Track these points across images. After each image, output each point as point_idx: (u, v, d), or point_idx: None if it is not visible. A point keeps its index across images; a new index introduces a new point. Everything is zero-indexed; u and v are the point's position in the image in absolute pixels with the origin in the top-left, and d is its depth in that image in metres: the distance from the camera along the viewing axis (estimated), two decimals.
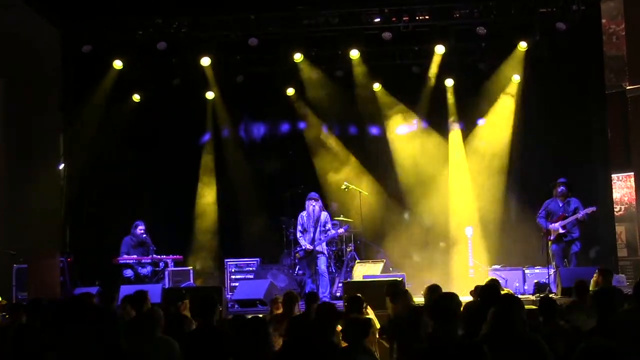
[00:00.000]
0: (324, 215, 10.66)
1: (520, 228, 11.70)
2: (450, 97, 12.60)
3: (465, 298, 7.02)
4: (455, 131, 12.69)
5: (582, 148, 11.88)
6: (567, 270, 9.78)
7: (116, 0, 11.38)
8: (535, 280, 10.15)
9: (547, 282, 10.01)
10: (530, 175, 11.97)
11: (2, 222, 10.83)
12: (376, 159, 12.85)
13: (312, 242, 10.49)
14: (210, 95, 12.87)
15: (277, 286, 10.26)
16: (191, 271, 11.17)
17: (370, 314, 6.42)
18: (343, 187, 11.73)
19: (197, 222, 12.82)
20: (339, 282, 10.80)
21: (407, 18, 11.53)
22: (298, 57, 12.05)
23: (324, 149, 12.83)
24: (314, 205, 10.54)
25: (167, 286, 10.34)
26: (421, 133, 12.87)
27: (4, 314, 8.80)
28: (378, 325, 6.19)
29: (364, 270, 10.65)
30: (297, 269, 11.37)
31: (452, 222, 12.27)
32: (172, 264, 11.03)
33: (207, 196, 12.95)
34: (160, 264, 10.98)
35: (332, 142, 12.98)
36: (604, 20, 11.89)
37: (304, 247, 10.57)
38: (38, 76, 11.44)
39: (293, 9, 11.60)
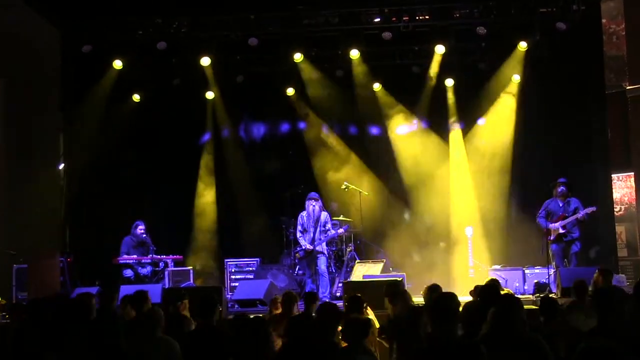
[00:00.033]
0: (324, 215, 10.65)
1: (520, 228, 11.70)
2: (451, 97, 12.60)
3: (466, 298, 7.03)
4: (456, 131, 12.69)
5: (582, 148, 11.88)
6: (567, 270, 9.78)
7: (116, 0, 11.37)
8: (535, 280, 10.15)
9: (547, 282, 10.01)
10: (530, 175, 11.98)
11: (2, 222, 10.82)
12: (376, 159, 12.86)
13: (312, 242, 10.49)
14: (210, 95, 12.88)
15: (277, 286, 10.26)
16: (191, 271, 11.18)
17: (370, 314, 6.42)
18: (343, 187, 11.73)
19: (197, 222, 12.82)
20: (339, 282, 10.80)
21: (407, 18, 11.52)
22: (298, 57, 12.05)
23: (324, 149, 12.83)
24: (314, 205, 10.54)
25: (167, 286, 10.33)
26: (421, 133, 12.88)
27: (4, 313, 8.82)
28: (377, 325, 6.19)
29: (364, 270, 10.65)
30: (297, 269, 11.37)
31: (452, 222, 12.27)
32: (172, 264, 11.03)
33: (207, 196, 12.96)
34: (160, 264, 10.97)
35: (332, 142, 12.98)
36: (604, 20, 11.88)
37: (304, 247, 10.57)
38: (38, 76, 11.43)
39: (293, 9, 11.59)
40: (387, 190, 12.61)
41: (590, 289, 7.07)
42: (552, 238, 10.34)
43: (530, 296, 9.74)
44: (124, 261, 10.90)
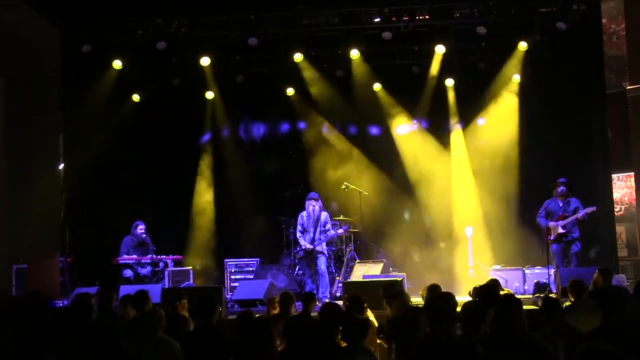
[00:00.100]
0: (324, 215, 10.65)
1: (520, 228, 11.72)
2: (451, 97, 12.61)
3: (466, 298, 7.03)
4: (456, 131, 12.69)
5: (582, 148, 11.88)
6: (567, 270, 9.76)
7: (116, 0, 11.37)
8: (535, 280, 10.14)
9: (547, 282, 10.01)
10: (530, 175, 11.97)
11: (2, 222, 10.80)
12: (376, 159, 12.85)
13: (312, 242, 10.49)
14: (210, 95, 12.88)
15: (277, 286, 10.26)
16: (191, 271, 11.18)
17: (369, 314, 6.42)
18: (343, 187, 11.74)
19: (196, 222, 12.82)
20: (339, 282, 10.80)
21: (407, 18, 11.52)
22: (298, 57, 12.05)
23: (324, 149, 12.82)
24: (314, 205, 10.54)
25: (166, 286, 10.33)
26: (421, 133, 12.88)
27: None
28: (376, 325, 6.19)
29: (364, 270, 10.65)
30: (297, 269, 11.37)
31: (452, 222, 12.27)
32: (172, 264, 11.03)
33: (207, 196, 12.96)
34: (160, 264, 10.97)
35: (332, 142, 12.98)
36: (604, 20, 11.87)
37: (303, 247, 10.56)
38: (38, 76, 11.42)
39: (293, 8, 11.59)
40: (387, 190, 12.59)
41: (590, 288, 7.08)
42: (552, 238, 10.34)
43: (530, 296, 9.73)
44: (124, 261, 10.90)
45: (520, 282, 10.42)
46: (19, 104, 11.08)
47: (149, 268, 10.99)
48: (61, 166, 12.57)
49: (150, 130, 12.57)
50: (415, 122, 12.89)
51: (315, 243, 10.47)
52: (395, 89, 12.67)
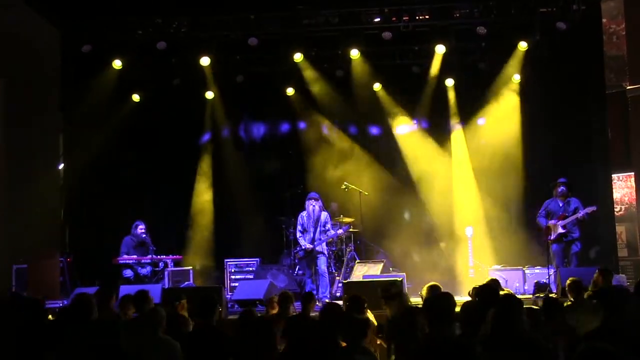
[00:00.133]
0: (324, 215, 10.64)
1: (520, 228, 11.71)
2: (451, 97, 12.61)
3: (465, 298, 7.02)
4: (456, 131, 12.69)
5: (582, 148, 11.88)
6: (567, 271, 9.75)
7: (116, 0, 11.37)
8: (535, 281, 10.14)
9: (547, 282, 10.00)
10: (530, 175, 11.97)
11: (2, 222, 10.81)
12: (376, 159, 12.85)
13: (312, 242, 10.48)
14: (210, 95, 12.88)
15: (277, 286, 10.25)
16: (191, 271, 11.18)
17: (369, 314, 6.42)
18: (343, 187, 11.73)
19: (197, 222, 12.82)
20: (339, 282, 10.79)
21: (407, 18, 11.52)
22: (298, 57, 12.05)
23: (323, 149, 12.82)
24: (314, 205, 10.53)
25: (166, 286, 10.33)
26: (421, 133, 12.88)
27: None
28: (376, 324, 6.19)
29: (364, 271, 10.65)
30: (297, 269, 11.37)
31: (453, 222, 12.27)
32: (172, 264, 11.03)
33: (207, 196, 12.96)
34: (160, 264, 10.97)
35: (332, 142, 12.98)
36: (604, 20, 11.86)
37: (303, 247, 10.56)
38: (38, 76, 11.43)
39: (293, 8, 11.59)
40: (387, 190, 12.59)
41: (590, 288, 7.07)
42: (552, 238, 10.33)
43: (531, 296, 9.73)
44: (124, 261, 10.89)
45: (520, 282, 10.41)
46: (19, 104, 11.09)
47: (148, 268, 10.98)
48: (61, 166, 12.57)
49: (150, 130, 12.56)
50: (415, 122, 12.90)
51: (315, 243, 10.47)
52: (395, 89, 12.67)
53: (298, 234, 10.68)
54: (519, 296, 8.26)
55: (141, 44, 11.83)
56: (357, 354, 4.55)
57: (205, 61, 11.95)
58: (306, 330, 4.90)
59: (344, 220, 11.56)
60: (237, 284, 10.89)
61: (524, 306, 4.38)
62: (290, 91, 12.97)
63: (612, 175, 11.76)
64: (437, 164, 12.58)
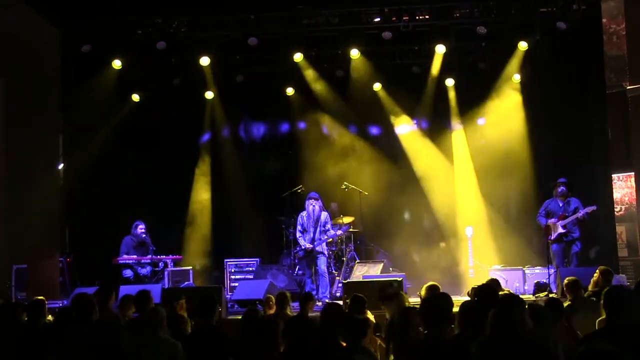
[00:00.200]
0: (324, 215, 10.64)
1: (520, 228, 11.70)
2: (451, 97, 12.60)
3: (465, 298, 7.02)
4: (456, 131, 12.69)
5: (582, 148, 11.87)
6: (567, 271, 9.74)
7: (116, 0, 11.37)
8: (536, 281, 10.14)
9: (547, 282, 10.00)
10: (530, 175, 11.96)
11: (2, 222, 10.81)
12: (377, 159, 12.84)
13: (312, 242, 10.48)
14: (209, 95, 12.88)
15: (277, 286, 10.25)
16: (191, 271, 11.17)
17: (369, 314, 6.42)
18: (343, 187, 11.73)
19: (196, 221, 12.82)
20: (339, 282, 10.79)
21: (407, 18, 11.52)
22: (298, 57, 12.05)
23: (323, 149, 12.82)
24: (314, 205, 10.52)
25: (166, 286, 10.32)
26: (421, 133, 12.88)
27: None
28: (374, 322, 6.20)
29: (364, 271, 10.65)
30: (297, 269, 11.36)
31: (453, 222, 12.27)
32: (172, 264, 11.02)
33: (207, 196, 12.96)
34: (160, 264, 10.96)
35: (331, 142, 12.97)
36: (604, 20, 11.86)
37: (303, 247, 10.55)
38: (38, 76, 11.43)
39: (293, 8, 11.59)
40: (387, 190, 12.59)
41: (590, 288, 7.07)
42: (552, 238, 10.32)
43: (531, 296, 9.73)
44: (124, 261, 10.89)
45: (520, 282, 10.41)
46: (19, 104, 11.09)
47: (148, 268, 10.98)
48: (61, 166, 12.57)
49: (150, 130, 12.56)
50: (415, 122, 12.90)
51: (315, 243, 10.46)
52: (395, 89, 12.66)
53: (298, 234, 10.67)
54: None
55: (141, 44, 11.83)
56: (357, 354, 4.55)
57: (205, 61, 11.95)
58: (306, 330, 4.89)
59: (343, 220, 11.55)
60: (237, 284, 10.89)
61: (528, 304, 4.37)
62: (290, 91, 12.97)
63: (612, 175, 11.75)
64: (437, 164, 12.58)
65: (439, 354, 3.28)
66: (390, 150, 12.83)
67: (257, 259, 11.93)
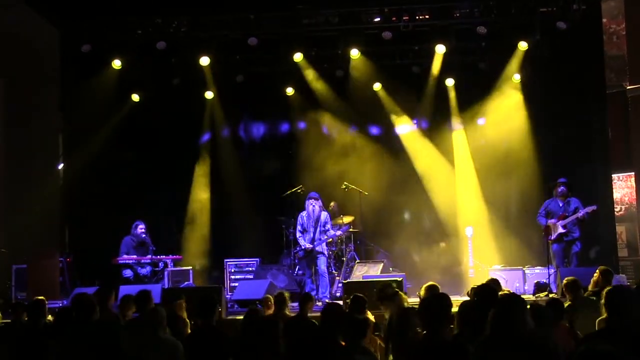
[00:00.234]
0: (324, 215, 10.63)
1: (520, 228, 11.69)
2: (451, 97, 12.60)
3: (465, 298, 7.01)
4: (456, 131, 12.69)
5: (582, 148, 11.87)
6: (567, 271, 9.74)
7: (116, 0, 11.37)
8: (536, 281, 10.13)
9: (547, 282, 10.00)
10: (530, 175, 11.96)
11: (2, 222, 10.82)
12: (377, 159, 12.83)
13: (312, 242, 10.47)
14: (209, 95, 12.87)
15: (277, 286, 10.25)
16: (191, 271, 11.17)
17: (368, 314, 6.42)
18: (343, 187, 11.73)
19: (196, 221, 12.81)
20: (339, 282, 10.79)
21: (407, 17, 11.52)
22: (298, 56, 12.05)
23: (323, 149, 12.81)
24: (313, 205, 10.51)
25: (166, 286, 10.32)
26: (421, 133, 12.88)
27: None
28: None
29: (364, 271, 10.64)
30: (297, 269, 11.35)
31: (453, 222, 12.27)
32: (172, 264, 11.02)
33: (207, 196, 12.95)
34: (160, 264, 10.96)
35: (331, 142, 12.97)
36: (604, 20, 11.87)
37: (303, 247, 10.55)
38: (38, 76, 11.44)
39: (293, 8, 11.59)
40: (388, 190, 12.58)
41: (590, 288, 7.07)
42: (552, 238, 10.32)
43: (531, 296, 9.73)
44: (124, 261, 10.89)
45: (520, 282, 10.41)
46: (19, 104, 11.11)
47: (148, 268, 10.98)
48: (61, 166, 12.56)
49: (149, 130, 12.55)
50: (415, 122, 12.89)
51: (315, 243, 10.45)
52: (395, 89, 12.66)
53: (298, 234, 10.67)
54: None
55: (141, 44, 11.82)
56: (357, 353, 4.55)
57: (204, 61, 11.94)
58: (305, 330, 4.89)
59: (343, 220, 11.55)
60: (237, 284, 10.89)
61: (529, 304, 4.37)
62: (290, 91, 12.97)
63: (612, 175, 11.76)
64: (437, 164, 12.57)
65: (437, 354, 3.28)
66: (390, 150, 12.82)
67: (257, 259, 11.92)
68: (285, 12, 11.64)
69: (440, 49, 11.76)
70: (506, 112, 12.22)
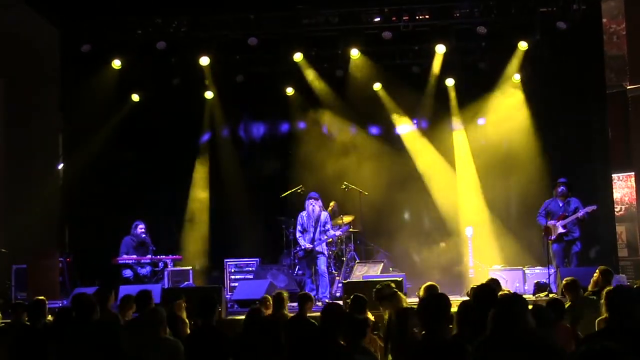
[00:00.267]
0: (324, 215, 10.63)
1: (521, 228, 11.69)
2: (452, 97, 12.60)
3: (465, 298, 7.01)
4: (456, 131, 12.69)
5: (582, 148, 11.88)
6: (567, 271, 9.74)
7: (116, 0, 11.37)
8: (536, 281, 10.13)
9: (547, 282, 9.99)
10: (530, 175, 11.96)
11: (2, 222, 10.81)
12: (377, 159, 12.83)
13: (312, 242, 10.47)
14: (209, 95, 12.87)
15: (277, 286, 10.24)
16: (191, 271, 11.17)
17: (368, 314, 6.41)
18: (343, 187, 11.73)
19: (196, 222, 12.81)
20: (339, 282, 10.78)
21: (407, 17, 11.53)
22: (298, 56, 12.05)
23: (323, 149, 12.81)
24: (313, 205, 10.51)
25: (166, 286, 10.32)
26: (421, 133, 12.88)
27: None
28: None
29: (364, 271, 10.64)
30: (296, 269, 11.36)
31: (453, 222, 12.27)
32: (172, 264, 11.02)
33: (206, 196, 12.95)
34: (160, 264, 10.96)
35: (331, 142, 12.97)
36: (604, 20, 11.86)
37: (303, 247, 10.54)
38: (38, 76, 11.43)
39: (293, 8, 11.59)
40: (388, 190, 12.58)
41: (590, 288, 7.07)
42: (552, 238, 10.32)
43: (531, 296, 9.73)
44: (124, 261, 10.89)
45: (520, 282, 10.40)
46: (19, 104, 11.10)
47: (148, 268, 10.98)
48: (61, 166, 12.56)
49: (149, 130, 12.56)
50: (415, 122, 12.89)
51: (315, 243, 10.45)
52: (395, 89, 12.66)
53: (298, 234, 10.66)
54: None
55: (141, 43, 11.83)
56: (357, 353, 4.55)
57: (204, 61, 11.94)
58: (305, 330, 4.89)
59: (343, 220, 11.55)
60: (237, 284, 10.89)
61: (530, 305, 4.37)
62: (290, 91, 12.97)
63: (612, 175, 11.75)
64: (437, 164, 12.58)
65: (436, 354, 3.27)
66: (391, 150, 12.82)
67: (257, 259, 11.92)
68: (285, 12, 11.64)
69: (440, 49, 11.76)
70: (506, 112, 12.23)
